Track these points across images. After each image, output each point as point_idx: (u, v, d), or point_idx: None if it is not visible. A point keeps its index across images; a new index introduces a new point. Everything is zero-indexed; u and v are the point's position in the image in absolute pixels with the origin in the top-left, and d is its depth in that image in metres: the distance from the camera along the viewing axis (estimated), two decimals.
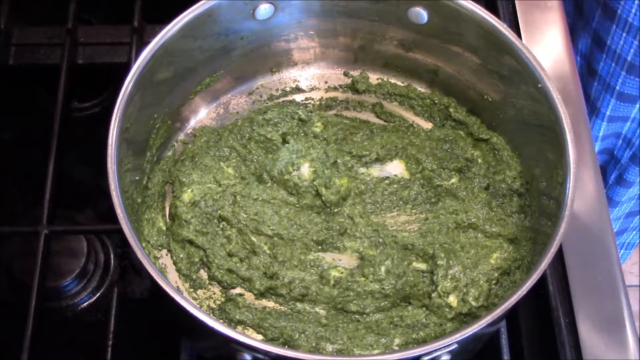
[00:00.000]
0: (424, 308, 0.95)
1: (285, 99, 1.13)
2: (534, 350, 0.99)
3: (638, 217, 1.65)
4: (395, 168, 1.05)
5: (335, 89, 1.14)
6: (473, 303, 0.93)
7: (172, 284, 0.94)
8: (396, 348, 0.92)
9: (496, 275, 0.95)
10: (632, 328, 0.95)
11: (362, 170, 1.05)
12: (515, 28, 1.17)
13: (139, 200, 0.98)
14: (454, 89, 1.09)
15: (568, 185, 0.86)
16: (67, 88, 1.12)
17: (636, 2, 1.19)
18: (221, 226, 1.00)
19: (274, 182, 1.03)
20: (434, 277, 0.95)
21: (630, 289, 1.83)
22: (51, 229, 1.00)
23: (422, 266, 0.97)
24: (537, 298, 0.98)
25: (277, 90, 1.13)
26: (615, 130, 1.45)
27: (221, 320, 0.92)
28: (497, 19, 0.96)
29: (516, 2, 1.20)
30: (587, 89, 1.40)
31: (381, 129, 1.08)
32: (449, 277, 0.95)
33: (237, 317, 0.94)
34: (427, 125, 1.11)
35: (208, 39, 1.01)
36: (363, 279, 0.96)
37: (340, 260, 0.99)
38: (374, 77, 1.14)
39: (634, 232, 1.71)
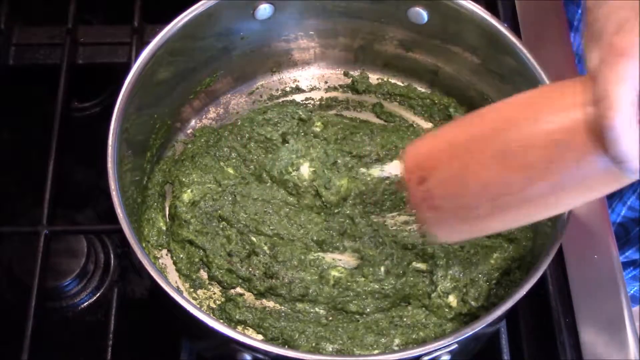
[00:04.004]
0: (424, 308, 0.95)
1: (285, 99, 1.13)
2: (534, 350, 0.99)
3: None
4: (395, 168, 1.05)
5: (335, 89, 1.14)
6: (473, 303, 0.93)
7: (172, 284, 0.94)
8: (396, 348, 0.92)
9: (496, 275, 0.95)
10: (632, 328, 0.95)
11: (362, 170, 1.05)
12: (515, 28, 1.17)
13: (139, 200, 0.99)
14: (454, 89, 1.09)
15: None
16: (67, 88, 1.12)
17: None
18: (221, 226, 1.00)
19: (274, 182, 1.03)
20: (434, 277, 0.95)
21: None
22: (51, 229, 1.00)
23: (422, 266, 0.97)
24: (537, 298, 0.98)
25: (277, 90, 1.13)
26: None
27: (221, 320, 0.92)
28: (497, 19, 0.96)
29: (516, 2, 1.20)
30: None
31: (381, 129, 1.08)
32: (449, 277, 0.95)
33: (237, 317, 0.94)
34: (427, 125, 1.11)
35: (208, 39, 1.01)
36: (363, 279, 0.96)
37: (340, 260, 0.99)
38: (374, 77, 1.14)
39: None
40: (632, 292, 1.61)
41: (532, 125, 0.66)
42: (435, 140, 0.77)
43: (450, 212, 0.75)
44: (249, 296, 0.97)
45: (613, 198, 1.46)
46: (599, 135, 0.60)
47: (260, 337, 0.94)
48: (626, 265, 1.54)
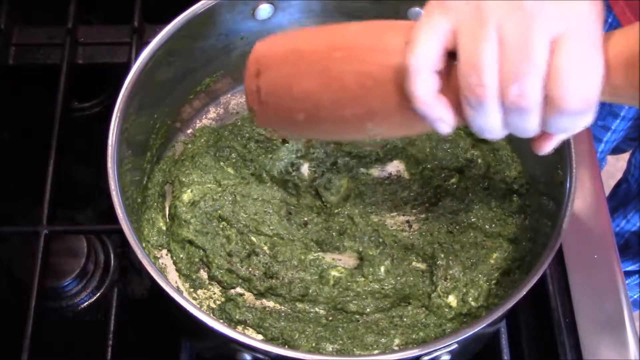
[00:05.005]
0: (424, 308, 0.95)
1: None
2: (534, 350, 0.99)
3: None
4: (395, 168, 1.06)
5: None
6: (473, 303, 0.93)
7: (172, 284, 0.94)
8: (396, 348, 0.92)
9: (496, 275, 0.95)
10: (632, 328, 0.95)
11: (362, 170, 1.05)
12: None
13: (139, 200, 0.99)
14: None
15: (568, 185, 0.86)
16: (67, 88, 1.12)
17: None
18: (221, 226, 1.00)
19: (274, 182, 1.03)
20: (434, 277, 0.95)
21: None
22: (51, 229, 1.00)
23: (422, 266, 0.97)
24: (537, 298, 0.98)
25: None
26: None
27: (221, 320, 0.92)
28: None
29: None
30: None
31: None
32: (449, 277, 0.95)
33: (237, 317, 0.94)
34: None
35: (208, 39, 1.01)
36: (363, 279, 0.96)
37: (340, 260, 0.99)
38: None
39: None
40: (633, 297, 1.61)
41: (356, 54, 0.71)
42: (278, 41, 0.82)
43: (273, 110, 0.81)
44: (249, 296, 0.97)
45: (628, 208, 1.46)
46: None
47: (260, 337, 0.94)
48: (631, 273, 1.55)
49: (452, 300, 0.94)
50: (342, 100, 0.72)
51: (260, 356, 0.79)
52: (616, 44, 0.61)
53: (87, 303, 1.06)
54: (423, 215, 1.02)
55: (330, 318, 0.95)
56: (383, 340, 0.92)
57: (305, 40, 0.78)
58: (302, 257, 0.98)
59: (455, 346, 0.78)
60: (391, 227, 1.02)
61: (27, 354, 0.91)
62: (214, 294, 0.98)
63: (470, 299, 0.94)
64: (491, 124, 0.63)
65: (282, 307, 0.96)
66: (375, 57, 0.69)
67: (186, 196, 1.01)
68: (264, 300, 0.97)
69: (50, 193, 1.02)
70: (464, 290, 0.94)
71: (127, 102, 0.90)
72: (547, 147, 0.70)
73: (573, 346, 0.95)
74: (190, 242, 0.99)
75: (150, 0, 1.19)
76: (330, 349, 0.92)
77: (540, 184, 0.97)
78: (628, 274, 1.53)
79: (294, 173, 1.02)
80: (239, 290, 0.98)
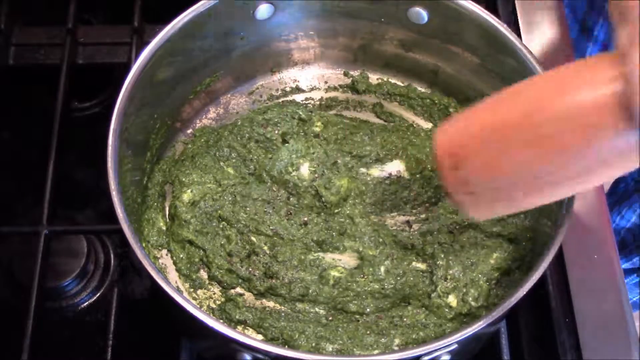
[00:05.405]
0: (424, 308, 0.95)
1: (285, 99, 1.13)
2: (534, 350, 0.99)
3: None
4: (395, 168, 1.05)
5: (335, 89, 1.14)
6: (473, 303, 0.93)
7: (172, 284, 0.94)
8: (396, 348, 0.92)
9: (496, 275, 0.95)
10: (632, 328, 0.95)
11: (362, 170, 1.05)
12: (515, 28, 1.17)
13: (139, 200, 0.99)
14: (454, 89, 1.09)
15: None
16: (67, 88, 1.12)
17: None
18: (221, 226, 1.00)
19: (274, 182, 1.03)
20: (434, 277, 0.95)
21: None
22: (51, 229, 1.00)
23: (422, 266, 0.97)
24: (537, 298, 0.98)
25: (277, 90, 1.13)
26: None
27: (221, 320, 0.92)
28: (497, 19, 0.96)
29: (516, 2, 1.20)
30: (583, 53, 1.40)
31: (381, 129, 1.08)
32: (449, 277, 0.95)
33: (237, 317, 0.94)
34: (427, 125, 1.11)
35: (208, 39, 1.01)
36: (363, 279, 0.96)
37: (340, 260, 0.99)
38: (374, 77, 1.14)
39: None
40: (633, 299, 1.61)
41: (564, 106, 0.68)
42: (466, 125, 0.78)
43: (487, 195, 0.78)
44: (249, 296, 0.97)
45: (622, 205, 1.46)
46: (630, 112, 0.62)
47: (260, 337, 0.94)
48: (630, 272, 1.54)
49: (452, 300, 0.94)
50: (568, 155, 0.69)
51: (260, 356, 0.79)
52: None
53: (87, 303, 1.05)
54: (423, 215, 1.02)
55: (330, 318, 0.95)
56: (383, 340, 0.92)
57: (496, 113, 0.75)
58: (302, 257, 0.98)
59: (455, 346, 0.78)
60: (391, 227, 1.02)
61: (27, 354, 0.91)
62: (214, 294, 0.98)
63: (470, 299, 0.93)
64: None
65: (282, 307, 0.96)
66: (587, 104, 0.65)
67: (186, 196, 1.01)
68: (264, 300, 0.97)
69: (50, 193, 1.02)
70: (464, 290, 0.94)
71: (127, 102, 0.90)
72: None
73: (573, 346, 0.95)
74: (190, 242, 0.99)
75: (150, 0, 1.19)
76: (330, 349, 0.92)
77: None
78: (625, 273, 1.53)
79: (294, 173, 1.02)
80: (239, 290, 0.98)
